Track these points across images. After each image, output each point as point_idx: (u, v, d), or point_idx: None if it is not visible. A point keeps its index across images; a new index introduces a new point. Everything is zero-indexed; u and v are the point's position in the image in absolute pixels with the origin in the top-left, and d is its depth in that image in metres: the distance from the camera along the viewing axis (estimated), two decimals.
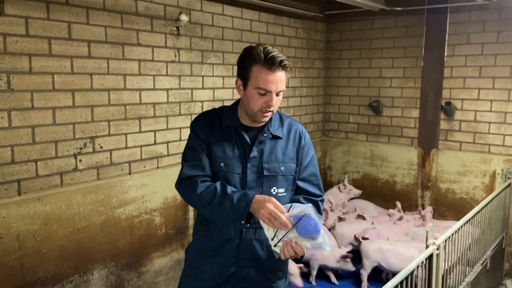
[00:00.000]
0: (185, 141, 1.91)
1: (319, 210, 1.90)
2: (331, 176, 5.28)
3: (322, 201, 1.93)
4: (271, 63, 1.68)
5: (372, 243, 3.61)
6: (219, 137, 1.82)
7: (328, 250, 1.65)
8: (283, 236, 1.61)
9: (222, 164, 1.80)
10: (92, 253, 2.89)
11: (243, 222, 1.67)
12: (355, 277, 3.76)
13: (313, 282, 3.70)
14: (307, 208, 1.62)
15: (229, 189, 1.73)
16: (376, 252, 3.53)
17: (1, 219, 2.45)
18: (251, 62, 1.72)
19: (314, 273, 3.68)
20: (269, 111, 1.75)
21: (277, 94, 1.74)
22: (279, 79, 1.71)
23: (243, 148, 1.82)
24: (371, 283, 3.62)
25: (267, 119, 1.80)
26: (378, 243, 3.58)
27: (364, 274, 3.61)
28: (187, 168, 1.81)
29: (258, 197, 1.66)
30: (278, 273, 1.93)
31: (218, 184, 1.74)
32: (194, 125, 1.87)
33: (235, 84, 1.81)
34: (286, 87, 1.78)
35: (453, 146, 4.44)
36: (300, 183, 1.90)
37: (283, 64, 1.70)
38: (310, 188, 1.91)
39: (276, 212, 1.58)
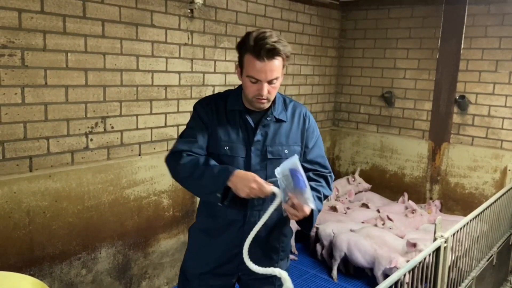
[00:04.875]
0: None
1: (328, 185, 1.91)
2: (339, 166, 5.27)
3: (331, 176, 1.94)
4: (258, 52, 1.65)
5: (342, 234, 3.64)
6: (223, 120, 1.83)
7: (310, 206, 1.63)
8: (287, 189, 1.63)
9: (226, 148, 1.80)
10: (100, 231, 2.92)
11: (218, 195, 1.68)
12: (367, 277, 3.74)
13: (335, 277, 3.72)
14: (295, 163, 1.61)
15: (212, 162, 1.73)
16: (344, 243, 3.57)
17: (12, 194, 2.48)
18: (244, 49, 1.71)
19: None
20: (264, 98, 1.74)
21: (270, 82, 1.72)
22: (268, 68, 1.68)
23: (247, 131, 1.82)
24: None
25: (263, 105, 1.79)
26: (348, 235, 3.60)
27: (335, 264, 3.66)
28: (180, 143, 1.84)
29: (240, 172, 1.66)
30: (280, 253, 1.97)
31: (201, 157, 1.76)
32: (198, 106, 1.88)
33: (235, 70, 1.81)
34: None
35: (464, 140, 4.39)
36: (307, 165, 1.90)
37: (270, 53, 1.66)
38: (318, 168, 1.93)
39: (256, 191, 1.60)
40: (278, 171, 1.65)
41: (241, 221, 1.85)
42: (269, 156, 1.82)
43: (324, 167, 1.94)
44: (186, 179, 1.78)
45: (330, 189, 1.92)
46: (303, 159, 1.90)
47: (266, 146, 1.82)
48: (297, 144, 1.87)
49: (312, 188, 1.80)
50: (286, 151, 1.84)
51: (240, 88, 1.88)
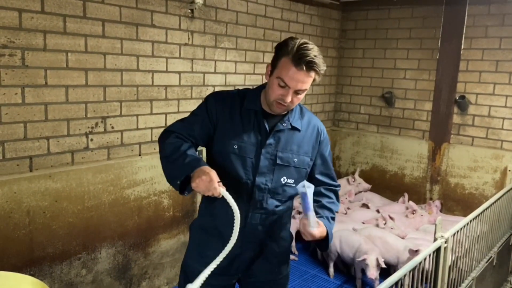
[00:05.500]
0: None
1: (337, 199, 1.98)
2: (339, 166, 5.27)
3: (339, 190, 2.01)
4: (298, 60, 1.65)
5: (334, 231, 3.66)
6: (237, 119, 1.81)
7: (310, 231, 1.69)
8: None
9: (235, 146, 1.79)
10: (100, 231, 2.92)
11: (178, 182, 1.66)
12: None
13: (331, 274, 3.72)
14: (304, 187, 1.67)
15: (191, 151, 1.71)
16: (337, 239, 3.61)
17: (12, 194, 2.48)
18: (283, 52, 1.70)
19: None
20: (284, 105, 1.74)
21: (297, 93, 1.72)
22: (301, 79, 1.68)
23: (260, 134, 1.81)
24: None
25: (280, 111, 1.79)
26: (340, 232, 3.65)
27: (330, 262, 3.70)
28: (177, 124, 1.84)
29: (204, 167, 1.62)
30: (280, 258, 1.97)
31: (186, 143, 1.74)
32: (211, 99, 1.86)
33: (266, 69, 1.80)
34: (322, 74, 1.75)
35: (465, 140, 4.39)
36: (319, 177, 1.94)
37: (310, 65, 1.66)
38: (329, 180, 1.97)
39: (204, 183, 1.57)
40: (298, 186, 1.71)
41: (242, 222, 1.84)
42: (278, 161, 1.81)
43: (334, 179, 1.99)
44: (164, 159, 1.77)
45: (338, 202, 1.99)
46: (315, 171, 1.93)
47: (277, 151, 1.81)
48: (307, 155, 1.87)
49: (326, 208, 1.87)
50: (295, 160, 1.84)
51: (259, 88, 1.87)
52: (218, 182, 1.60)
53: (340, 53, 5.14)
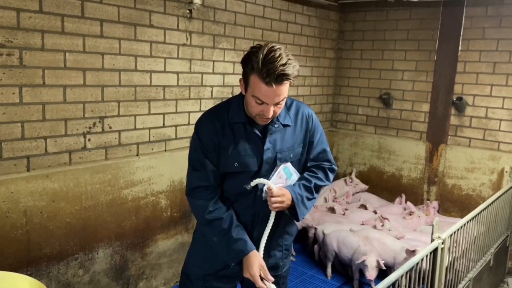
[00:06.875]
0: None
1: (326, 176, 1.94)
2: (337, 167, 5.26)
3: (330, 168, 1.96)
4: (266, 78, 1.58)
5: (332, 232, 3.68)
6: (229, 136, 1.78)
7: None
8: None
9: (236, 165, 1.77)
10: (97, 231, 2.92)
11: (231, 265, 1.82)
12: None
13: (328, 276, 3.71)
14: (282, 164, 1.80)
15: (234, 231, 1.77)
16: (334, 241, 3.61)
17: (9, 194, 2.47)
18: (249, 68, 1.63)
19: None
20: (268, 118, 1.71)
21: (277, 104, 1.68)
22: (276, 93, 1.62)
23: (255, 143, 1.79)
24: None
25: (265, 123, 1.77)
26: (337, 233, 3.65)
27: (328, 262, 3.71)
28: (193, 177, 1.81)
29: (252, 256, 1.75)
30: (284, 252, 1.99)
31: (226, 219, 1.77)
32: (199, 130, 1.80)
33: (239, 83, 1.76)
34: (296, 76, 1.68)
35: (462, 142, 4.40)
36: (312, 162, 1.93)
37: (280, 79, 1.59)
38: (321, 163, 1.96)
39: (250, 278, 1.76)
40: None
41: (249, 225, 1.86)
42: (278, 162, 1.82)
43: (327, 160, 1.96)
44: (206, 231, 1.85)
45: (327, 179, 1.94)
46: (308, 156, 1.91)
47: (276, 153, 1.81)
48: (299, 146, 1.87)
49: (304, 178, 1.87)
50: (291, 155, 1.85)
51: (240, 99, 1.82)
52: (262, 279, 1.73)
53: (338, 54, 5.15)
